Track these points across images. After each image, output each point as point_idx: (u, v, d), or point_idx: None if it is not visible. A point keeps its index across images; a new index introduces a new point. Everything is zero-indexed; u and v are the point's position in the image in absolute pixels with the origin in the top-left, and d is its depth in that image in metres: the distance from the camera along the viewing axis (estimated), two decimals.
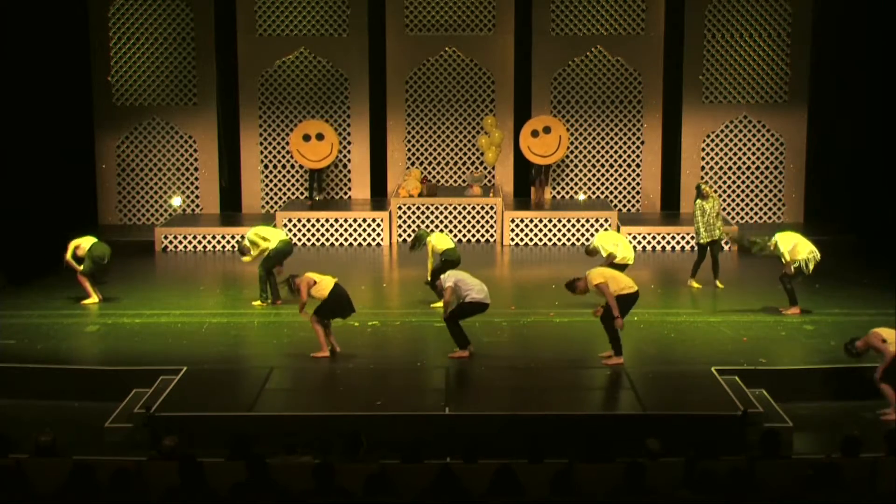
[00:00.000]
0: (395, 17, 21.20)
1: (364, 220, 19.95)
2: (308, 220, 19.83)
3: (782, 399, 12.16)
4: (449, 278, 13.13)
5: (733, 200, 21.34)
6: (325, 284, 13.05)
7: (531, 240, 19.92)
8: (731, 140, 21.28)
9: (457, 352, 13.09)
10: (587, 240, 19.43)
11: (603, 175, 21.52)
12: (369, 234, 19.91)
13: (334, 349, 13.17)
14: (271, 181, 21.57)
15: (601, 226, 19.60)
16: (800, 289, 15.88)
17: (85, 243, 15.54)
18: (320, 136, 20.60)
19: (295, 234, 19.55)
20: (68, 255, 15.47)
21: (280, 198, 21.50)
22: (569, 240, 19.79)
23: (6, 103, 17.52)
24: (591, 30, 21.19)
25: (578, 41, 21.20)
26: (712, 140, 21.28)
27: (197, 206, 21.41)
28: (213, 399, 12.21)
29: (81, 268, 15.44)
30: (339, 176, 21.45)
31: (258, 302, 15.52)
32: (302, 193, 21.47)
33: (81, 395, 12.52)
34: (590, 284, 12.82)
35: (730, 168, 21.32)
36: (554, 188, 21.31)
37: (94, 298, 15.62)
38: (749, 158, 21.29)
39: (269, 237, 15.55)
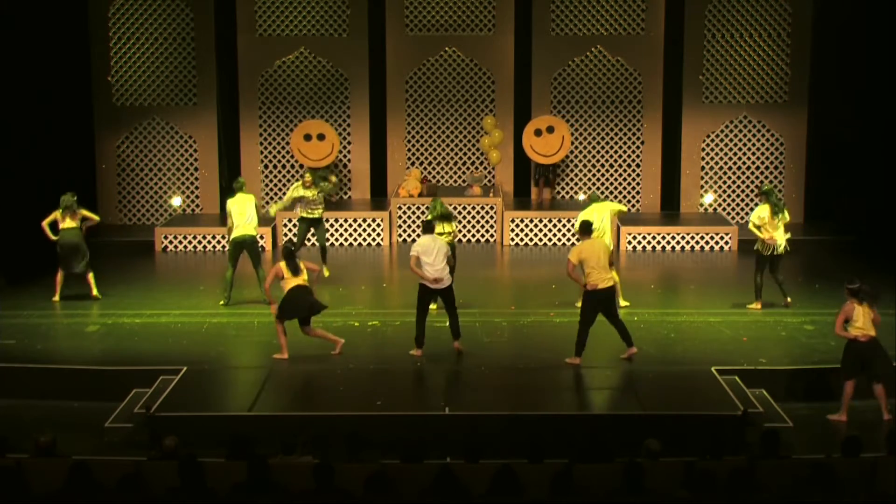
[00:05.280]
0: (395, 17, 21.19)
1: (364, 220, 19.95)
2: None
3: (782, 399, 12.17)
4: (414, 248, 13.18)
5: (733, 200, 21.34)
6: (287, 284, 13.12)
7: (531, 240, 19.91)
8: (731, 140, 21.28)
9: (414, 349, 13.33)
10: None
11: (603, 175, 21.51)
12: (369, 234, 19.90)
13: (336, 348, 13.28)
14: (271, 181, 21.56)
15: None
16: (801, 289, 15.92)
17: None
18: (321, 137, 20.62)
19: (296, 235, 19.53)
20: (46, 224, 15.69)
21: (280, 198, 21.47)
22: (569, 240, 19.78)
23: (6, 103, 17.51)
24: (591, 30, 21.19)
25: (578, 41, 21.20)
26: (712, 140, 21.28)
27: (197, 206, 21.41)
28: (213, 399, 12.24)
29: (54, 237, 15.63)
30: (338, 176, 21.42)
31: (221, 301, 15.62)
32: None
33: (81, 395, 12.53)
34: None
35: (730, 168, 21.32)
36: (554, 188, 21.29)
37: (55, 297, 15.73)
38: (749, 158, 21.29)
39: (237, 220, 15.46)
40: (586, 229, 13.23)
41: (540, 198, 21.07)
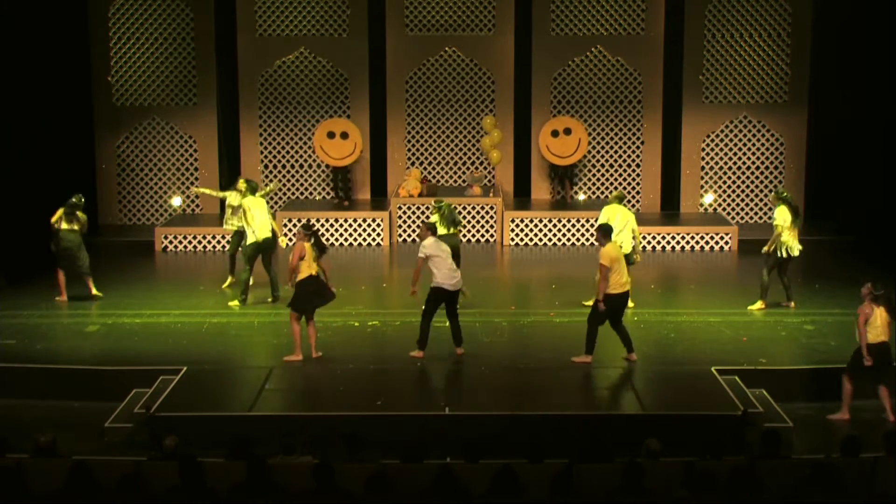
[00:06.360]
0: (395, 17, 21.19)
1: (364, 220, 19.94)
2: (308, 221, 19.76)
3: (782, 399, 12.17)
4: (423, 249, 13.14)
5: (733, 200, 21.34)
6: (306, 269, 13.04)
7: (531, 240, 19.91)
8: (731, 140, 21.28)
9: (416, 351, 13.21)
10: (587, 239, 19.46)
11: (603, 175, 21.51)
12: (369, 234, 19.90)
13: (310, 354, 13.17)
14: (271, 181, 21.53)
15: None
16: (800, 289, 15.90)
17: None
18: (345, 135, 20.60)
19: (295, 235, 19.51)
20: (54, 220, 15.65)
21: (280, 198, 21.48)
22: (569, 240, 19.78)
23: (6, 103, 17.50)
24: (591, 30, 21.19)
25: (578, 41, 21.20)
26: (712, 140, 21.27)
27: (197, 206, 21.41)
28: (213, 399, 12.23)
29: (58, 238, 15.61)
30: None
31: (235, 302, 15.60)
32: (312, 194, 21.51)
33: (81, 395, 12.54)
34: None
35: (730, 168, 21.32)
36: (571, 188, 21.28)
37: (63, 297, 15.71)
38: (749, 158, 21.29)
39: (256, 223, 15.43)
40: (607, 233, 13.09)
41: (565, 196, 21.05)
